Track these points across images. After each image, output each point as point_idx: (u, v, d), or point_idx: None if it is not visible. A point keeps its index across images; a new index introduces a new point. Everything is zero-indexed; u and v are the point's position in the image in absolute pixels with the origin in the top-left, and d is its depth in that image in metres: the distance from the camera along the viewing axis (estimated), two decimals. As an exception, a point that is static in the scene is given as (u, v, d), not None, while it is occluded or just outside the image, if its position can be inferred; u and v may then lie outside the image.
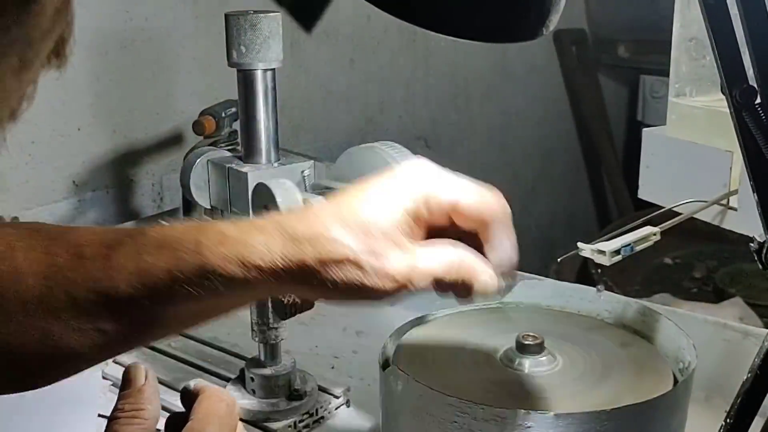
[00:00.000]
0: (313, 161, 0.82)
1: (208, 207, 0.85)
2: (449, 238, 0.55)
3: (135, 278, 0.53)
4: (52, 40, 0.35)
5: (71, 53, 0.37)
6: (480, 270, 0.54)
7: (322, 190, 0.78)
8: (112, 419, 0.49)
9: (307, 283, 0.52)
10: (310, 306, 0.71)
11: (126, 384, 0.51)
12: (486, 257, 0.54)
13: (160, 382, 0.90)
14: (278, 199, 0.71)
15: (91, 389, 0.88)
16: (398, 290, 0.52)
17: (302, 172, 0.78)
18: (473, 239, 0.55)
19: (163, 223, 0.57)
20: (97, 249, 0.54)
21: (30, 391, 0.89)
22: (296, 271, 0.51)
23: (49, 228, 0.58)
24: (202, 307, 0.56)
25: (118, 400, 0.50)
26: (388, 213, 0.52)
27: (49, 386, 0.89)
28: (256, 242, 0.52)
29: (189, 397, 0.52)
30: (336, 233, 0.51)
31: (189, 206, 1.13)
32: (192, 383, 0.53)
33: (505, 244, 0.55)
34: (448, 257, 0.53)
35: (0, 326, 0.55)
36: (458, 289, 0.54)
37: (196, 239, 0.52)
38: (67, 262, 0.54)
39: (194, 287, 0.52)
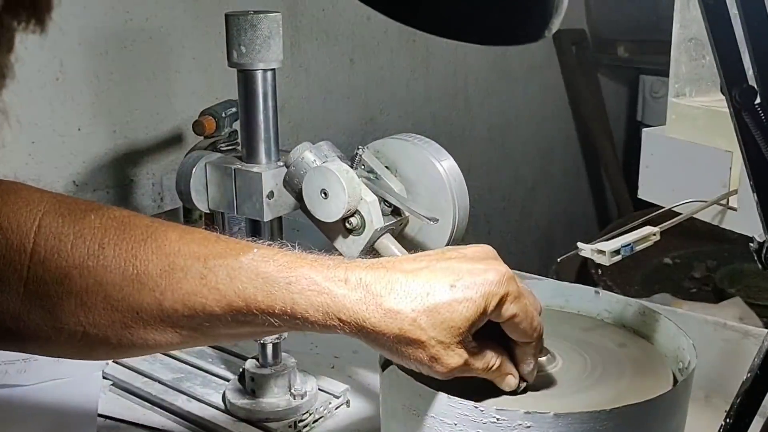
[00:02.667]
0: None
1: (207, 211, 0.85)
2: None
3: (225, 301, 0.59)
4: None
5: (52, 6, 0.31)
6: (508, 378, 0.63)
7: (367, 170, 0.78)
8: None
9: (378, 346, 0.59)
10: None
11: None
12: (515, 364, 0.63)
13: (161, 382, 0.90)
14: (344, 185, 0.72)
15: (91, 389, 0.88)
16: (443, 376, 0.59)
17: (357, 149, 0.79)
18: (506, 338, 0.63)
19: (254, 249, 0.60)
20: (189, 262, 0.59)
21: (30, 391, 0.89)
22: (371, 335, 0.58)
23: (134, 222, 0.62)
24: (274, 330, 0.62)
25: None
26: (466, 310, 0.58)
27: (49, 386, 0.89)
28: (344, 298, 0.58)
29: None
30: (419, 319, 0.57)
31: (188, 208, 1.13)
32: None
33: (532, 363, 0.64)
34: (491, 363, 0.61)
35: (82, 315, 0.59)
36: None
37: (288, 279, 0.58)
38: (158, 270, 0.59)
39: (277, 320, 0.58)
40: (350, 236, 0.76)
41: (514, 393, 0.64)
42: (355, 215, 0.75)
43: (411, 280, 0.58)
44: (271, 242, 0.64)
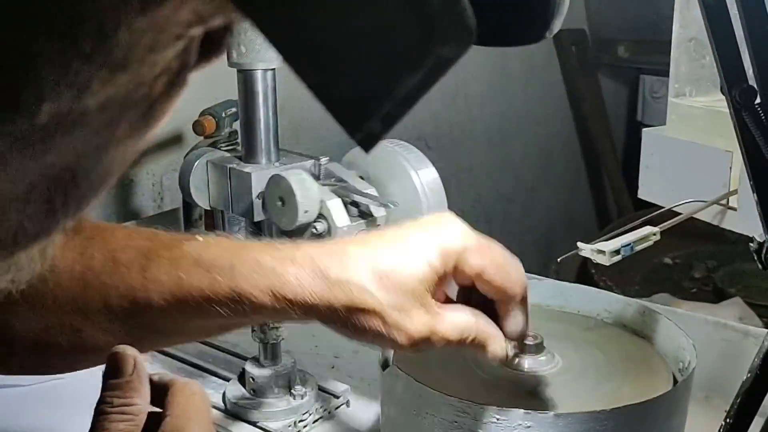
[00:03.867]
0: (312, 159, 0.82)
1: (208, 208, 0.85)
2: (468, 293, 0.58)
3: (168, 292, 0.56)
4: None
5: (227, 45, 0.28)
6: (492, 340, 0.57)
7: (336, 181, 0.78)
8: (99, 413, 0.48)
9: (332, 322, 0.55)
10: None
11: (113, 372, 0.49)
12: (500, 326, 0.58)
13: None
14: (297, 192, 0.72)
15: (91, 389, 0.88)
16: (413, 347, 0.55)
17: (319, 160, 0.79)
18: (491, 303, 0.58)
19: (198, 238, 0.58)
20: (133, 256, 0.57)
21: (30, 392, 0.89)
22: (323, 310, 0.54)
23: (83, 225, 0.60)
24: (228, 322, 0.59)
25: (104, 389, 0.48)
26: (419, 270, 0.54)
27: (49, 386, 0.89)
28: (289, 275, 0.54)
29: (157, 391, 0.50)
30: (368, 283, 0.54)
31: (189, 207, 1.13)
32: (155, 376, 0.50)
33: (518, 319, 0.58)
34: (465, 325, 0.56)
35: (34, 322, 0.57)
36: (470, 351, 0.58)
37: (231, 263, 0.55)
38: (102, 267, 0.57)
39: (224, 309, 0.55)
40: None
41: (507, 365, 0.61)
42: (320, 220, 0.75)
43: (359, 249, 0.55)
44: (219, 233, 0.62)
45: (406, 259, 0.54)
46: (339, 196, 0.75)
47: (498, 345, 0.57)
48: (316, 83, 0.23)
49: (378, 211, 0.76)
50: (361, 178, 0.78)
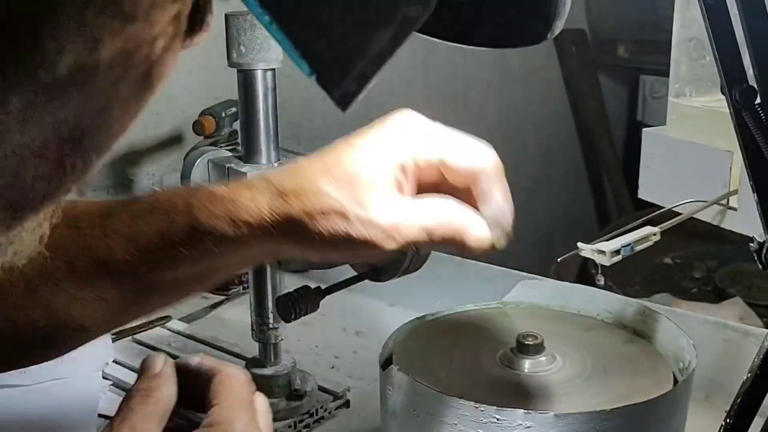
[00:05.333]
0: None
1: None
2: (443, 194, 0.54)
3: (130, 243, 0.54)
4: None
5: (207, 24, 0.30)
6: (471, 223, 0.53)
7: None
8: (124, 400, 0.49)
9: (295, 236, 0.52)
10: (315, 308, 0.71)
11: (144, 371, 0.50)
12: (479, 212, 0.53)
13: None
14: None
15: (91, 389, 0.88)
16: (387, 242, 0.51)
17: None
18: (468, 196, 0.54)
19: (156, 188, 0.58)
20: (92, 219, 0.56)
21: (30, 391, 0.89)
22: (283, 224, 0.51)
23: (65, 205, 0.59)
24: (199, 269, 0.57)
25: (135, 383, 0.50)
26: (377, 165, 0.52)
27: (49, 386, 0.89)
28: (244, 198, 0.52)
29: (202, 379, 0.50)
30: (322, 185, 0.51)
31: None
32: (195, 359, 0.51)
33: (497, 197, 0.53)
34: (437, 209, 0.52)
35: (5, 302, 0.56)
36: (451, 243, 0.53)
37: (187, 201, 0.54)
38: (64, 233, 0.55)
39: (187, 248, 0.53)
40: None
41: (495, 250, 0.54)
42: None
43: (311, 159, 0.54)
44: None
45: (364, 157, 0.52)
46: None
47: (480, 228, 0.53)
48: (303, 41, 0.25)
49: None
50: None
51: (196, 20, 0.29)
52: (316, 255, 0.55)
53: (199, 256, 0.54)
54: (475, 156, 0.53)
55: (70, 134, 0.27)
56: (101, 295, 0.56)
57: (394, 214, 0.51)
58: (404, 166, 0.52)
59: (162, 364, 0.49)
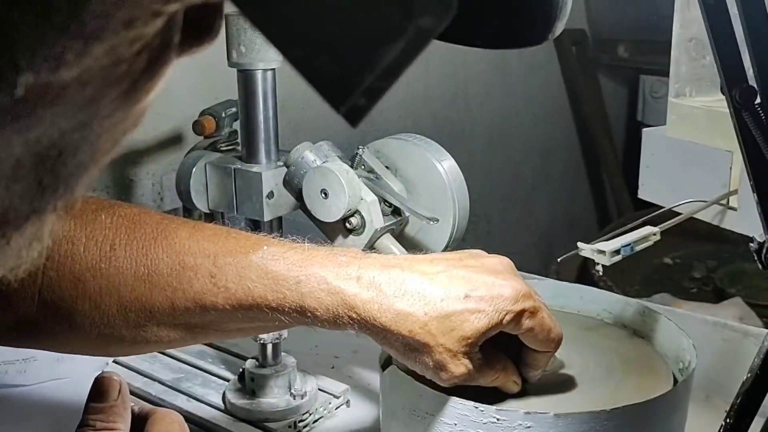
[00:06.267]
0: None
1: (207, 211, 0.85)
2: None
3: (235, 299, 0.59)
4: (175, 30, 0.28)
5: (218, 28, 0.29)
6: (510, 385, 0.63)
7: (367, 170, 0.78)
8: (84, 427, 0.48)
9: (384, 343, 0.59)
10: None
11: (97, 396, 0.49)
12: (519, 368, 0.63)
13: (161, 382, 0.90)
14: (345, 185, 0.72)
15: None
16: (448, 384, 0.59)
17: (358, 148, 0.79)
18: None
19: (264, 247, 0.60)
20: (200, 261, 0.59)
21: (30, 391, 0.89)
22: (381, 333, 0.58)
23: (145, 220, 0.61)
24: (285, 325, 0.61)
25: (87, 412, 0.49)
26: (479, 323, 0.57)
27: (49, 386, 0.89)
28: (356, 299, 0.57)
29: (138, 421, 0.51)
30: (430, 323, 0.57)
31: (188, 207, 1.13)
32: (136, 407, 0.51)
33: (537, 372, 0.63)
34: (498, 377, 0.61)
35: (97, 317, 0.59)
36: None
37: (298, 279, 0.58)
38: (169, 269, 0.59)
39: (287, 318, 0.58)
40: (350, 236, 0.76)
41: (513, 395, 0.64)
42: (356, 215, 0.75)
43: (426, 284, 0.58)
44: (281, 236, 0.64)
45: (468, 308, 0.57)
46: (375, 194, 0.76)
47: (514, 388, 0.63)
48: (298, 58, 0.23)
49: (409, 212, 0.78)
50: (387, 168, 0.79)
51: (203, 26, 0.28)
52: (388, 351, 0.61)
53: (294, 323, 0.59)
54: (548, 336, 0.60)
55: (47, 152, 0.26)
56: (190, 328, 0.61)
57: (467, 372, 0.58)
58: (497, 327, 0.59)
59: (117, 392, 0.49)
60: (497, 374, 0.61)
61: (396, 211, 0.78)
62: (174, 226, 0.61)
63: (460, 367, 0.58)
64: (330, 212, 0.74)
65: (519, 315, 0.58)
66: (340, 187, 0.73)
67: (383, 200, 0.76)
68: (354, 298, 0.57)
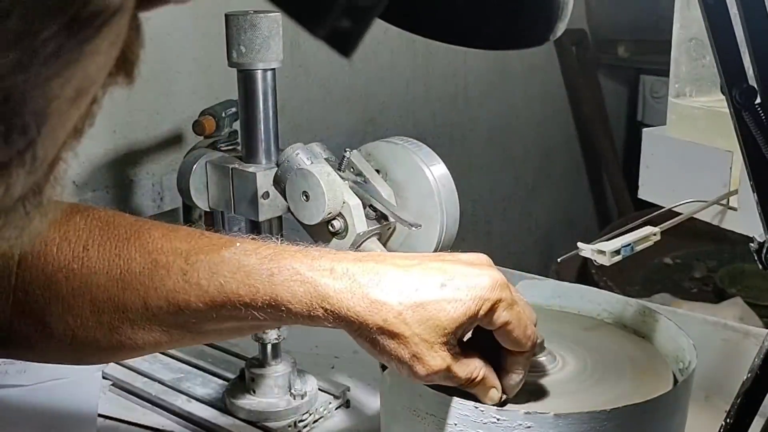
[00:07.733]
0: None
1: (207, 209, 0.85)
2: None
3: (208, 297, 0.58)
4: (112, 56, 0.28)
5: (138, 63, 0.30)
6: (490, 388, 0.60)
7: (355, 173, 0.78)
8: None
9: (359, 336, 0.57)
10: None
11: None
12: (500, 376, 0.61)
13: (161, 382, 0.90)
14: (324, 188, 0.72)
15: (91, 389, 0.88)
16: (427, 378, 0.57)
17: (345, 151, 0.79)
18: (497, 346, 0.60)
19: (237, 243, 0.59)
20: (172, 259, 0.59)
21: (30, 391, 0.89)
22: (355, 324, 0.56)
23: (118, 221, 0.61)
24: (260, 325, 0.61)
25: None
26: (455, 312, 0.56)
27: (49, 386, 0.89)
28: (329, 288, 0.56)
29: None
30: (405, 312, 0.56)
31: (189, 207, 1.13)
32: None
33: (519, 377, 0.61)
34: (476, 373, 0.59)
35: (70, 319, 0.59)
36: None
37: (270, 271, 0.57)
38: (141, 269, 0.59)
39: (261, 314, 0.57)
40: (333, 239, 0.76)
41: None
42: (338, 218, 0.75)
43: (401, 275, 0.57)
44: (254, 237, 0.63)
45: (444, 297, 0.56)
46: (359, 197, 0.75)
47: (495, 394, 0.61)
48: None
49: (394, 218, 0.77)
50: (377, 171, 0.78)
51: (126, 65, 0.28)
52: (363, 347, 0.59)
53: (267, 320, 0.58)
54: (525, 332, 0.59)
55: None
56: (166, 329, 0.60)
57: (445, 363, 0.56)
58: (474, 317, 0.57)
59: None
60: (477, 371, 0.59)
61: (382, 217, 0.77)
62: (148, 227, 0.61)
63: (436, 359, 0.56)
64: (311, 215, 0.74)
65: (495, 305, 0.57)
66: (320, 190, 0.73)
67: (369, 205, 0.76)
68: (327, 287, 0.56)
